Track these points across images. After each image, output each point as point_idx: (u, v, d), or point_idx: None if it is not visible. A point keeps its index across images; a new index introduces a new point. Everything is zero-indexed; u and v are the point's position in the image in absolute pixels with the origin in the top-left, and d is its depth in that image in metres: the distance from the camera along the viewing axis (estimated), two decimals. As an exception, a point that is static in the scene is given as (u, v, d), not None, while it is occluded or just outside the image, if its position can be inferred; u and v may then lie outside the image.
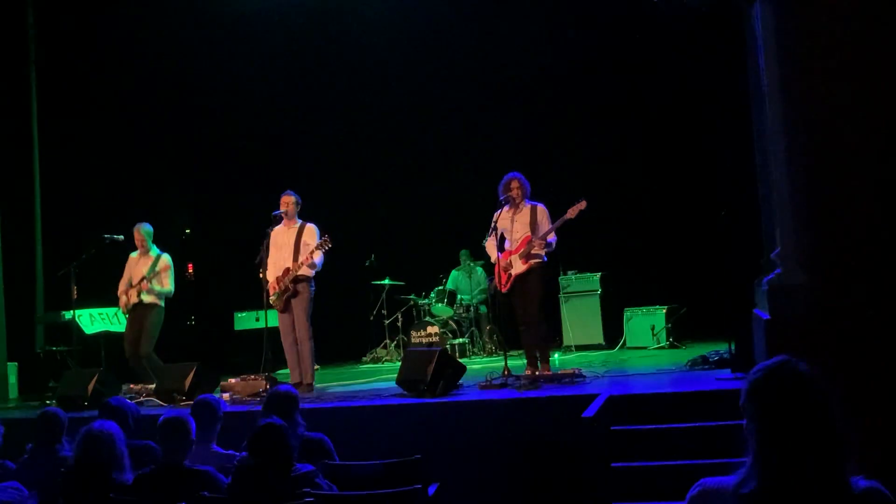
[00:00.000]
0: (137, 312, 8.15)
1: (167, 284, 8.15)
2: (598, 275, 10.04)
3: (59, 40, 10.14)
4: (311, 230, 7.56)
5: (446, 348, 9.06)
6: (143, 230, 8.23)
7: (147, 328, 8.07)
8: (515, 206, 7.20)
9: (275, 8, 10.81)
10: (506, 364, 7.04)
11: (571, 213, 6.96)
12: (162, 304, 8.19)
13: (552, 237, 7.07)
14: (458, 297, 10.59)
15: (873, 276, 4.65)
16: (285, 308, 7.49)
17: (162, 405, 7.07)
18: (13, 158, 9.95)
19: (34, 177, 10.06)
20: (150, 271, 8.06)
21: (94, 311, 9.71)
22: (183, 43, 10.69)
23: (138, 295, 8.08)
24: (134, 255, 8.31)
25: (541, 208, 7.18)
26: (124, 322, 9.10)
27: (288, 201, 7.57)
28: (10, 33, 9.68)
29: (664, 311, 9.49)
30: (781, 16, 4.97)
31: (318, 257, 7.36)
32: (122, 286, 8.28)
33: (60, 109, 10.48)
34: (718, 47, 8.42)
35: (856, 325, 4.57)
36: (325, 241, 7.26)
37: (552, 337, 9.12)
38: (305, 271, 7.39)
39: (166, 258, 8.21)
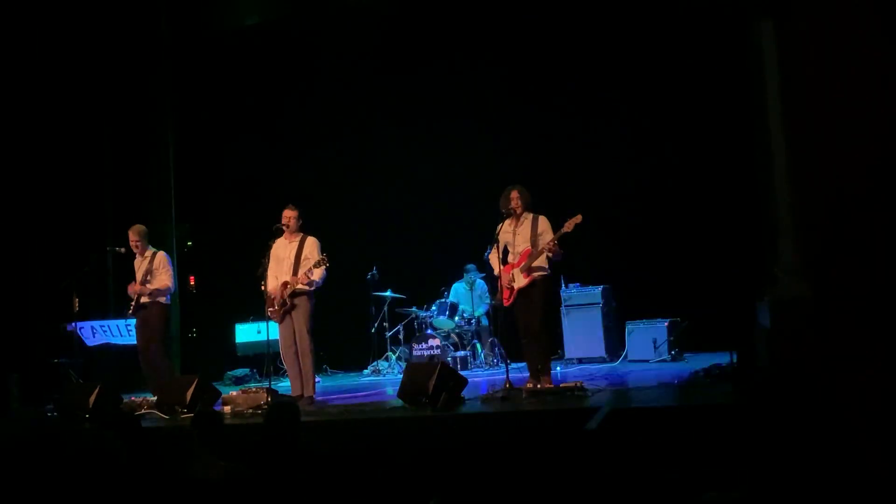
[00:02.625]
0: (142, 315, 8.17)
1: (166, 281, 8.14)
2: (600, 288, 10.03)
3: (63, 46, 10.16)
4: (313, 244, 7.56)
5: (447, 361, 9.06)
6: (136, 230, 8.28)
7: (154, 329, 8.09)
8: (517, 219, 7.22)
9: (273, 23, 10.86)
10: (507, 377, 7.04)
11: (568, 226, 6.98)
12: (165, 300, 8.19)
13: (555, 246, 7.04)
14: (460, 309, 10.58)
15: (876, 288, 4.65)
16: (284, 320, 7.50)
17: (163, 418, 7.05)
18: (15, 169, 9.96)
19: (37, 188, 10.08)
20: (147, 272, 8.10)
21: (96, 324, 9.71)
22: (182, 55, 10.73)
23: (138, 298, 8.10)
24: (136, 259, 8.36)
25: (542, 218, 7.20)
26: (126, 334, 9.12)
27: (289, 215, 7.58)
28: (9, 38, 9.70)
29: (666, 324, 9.46)
30: (784, 30, 5.00)
31: (317, 276, 7.37)
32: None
33: (62, 119, 10.50)
34: (720, 61, 8.45)
35: (858, 337, 4.56)
36: (323, 259, 7.28)
37: (554, 350, 9.11)
38: (305, 286, 7.40)
39: (162, 255, 8.24)
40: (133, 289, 8.18)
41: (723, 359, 7.06)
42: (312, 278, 7.35)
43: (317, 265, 7.29)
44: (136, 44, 10.52)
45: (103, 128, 10.91)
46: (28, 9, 9.76)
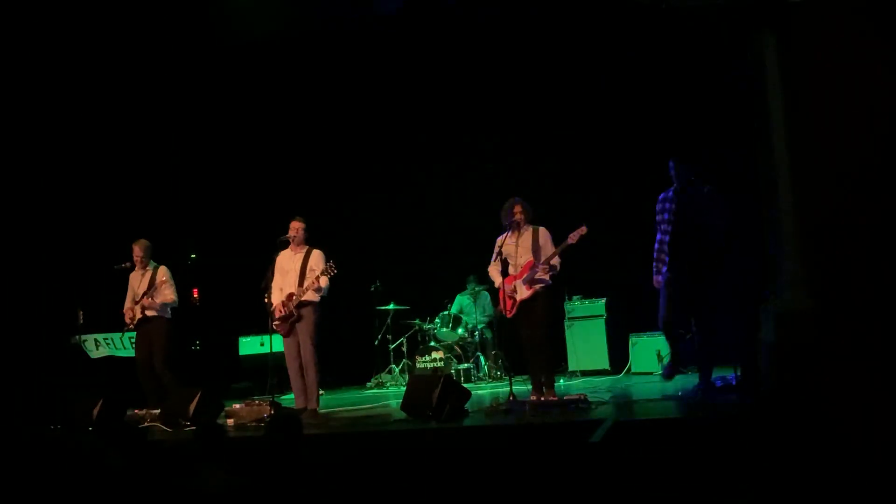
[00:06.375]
0: (144, 328, 8.23)
1: (170, 295, 8.23)
2: (604, 300, 10.03)
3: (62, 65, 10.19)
4: (318, 256, 7.57)
5: (451, 373, 9.05)
6: (141, 245, 8.36)
7: (157, 342, 8.14)
8: (518, 231, 7.23)
9: (276, 35, 10.88)
10: (511, 389, 7.04)
11: (572, 238, 6.99)
12: (168, 315, 8.27)
13: (556, 261, 7.10)
14: (464, 321, 10.58)
15: (880, 300, 4.64)
16: (289, 333, 7.50)
17: (166, 431, 7.05)
18: (18, 182, 10.00)
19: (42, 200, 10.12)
20: (149, 286, 8.16)
21: (100, 336, 9.72)
22: (186, 65, 10.76)
23: (142, 311, 8.16)
24: (134, 271, 8.43)
25: (543, 231, 7.21)
26: (129, 347, 9.13)
27: (297, 227, 7.58)
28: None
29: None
30: (786, 43, 5.01)
31: (324, 283, 7.38)
32: (127, 303, 8.42)
33: (64, 130, 10.53)
34: (721, 73, 8.47)
35: (863, 350, 4.55)
36: (331, 266, 7.27)
37: (557, 362, 9.09)
38: (311, 296, 7.39)
39: (164, 270, 8.31)
40: (132, 308, 8.23)
41: (727, 372, 7.05)
42: (320, 285, 7.36)
43: (324, 273, 7.29)
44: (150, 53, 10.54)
45: (106, 140, 10.93)
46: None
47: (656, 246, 7.03)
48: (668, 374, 7.45)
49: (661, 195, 7.06)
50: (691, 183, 6.72)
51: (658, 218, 7.04)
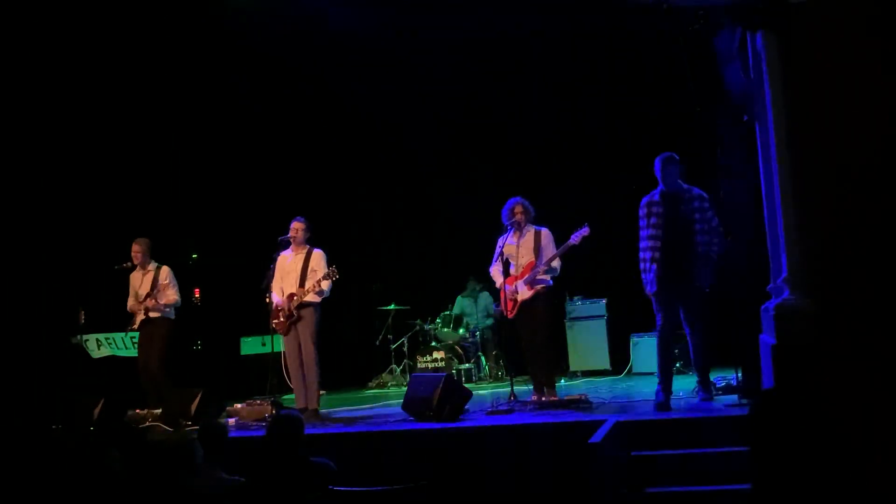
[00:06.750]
0: (147, 329, 8.24)
1: (173, 296, 8.26)
2: (604, 300, 10.03)
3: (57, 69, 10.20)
4: (319, 256, 7.57)
5: (452, 374, 9.05)
6: (140, 243, 8.37)
7: (157, 343, 8.16)
8: (520, 231, 7.24)
9: (277, 34, 10.90)
10: (512, 390, 7.04)
11: (575, 239, 7.00)
12: (171, 316, 8.30)
13: (556, 263, 7.11)
14: (464, 321, 10.58)
15: (880, 300, 4.64)
16: (290, 333, 7.50)
17: (167, 430, 7.06)
18: (19, 182, 10.01)
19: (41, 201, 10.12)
20: (152, 286, 8.16)
21: (101, 336, 9.73)
22: (186, 62, 10.77)
23: (145, 312, 8.17)
24: (135, 270, 8.43)
25: (545, 232, 7.21)
26: (131, 346, 9.13)
27: (298, 227, 7.59)
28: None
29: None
30: (786, 43, 5.01)
31: (325, 286, 7.39)
32: (130, 302, 8.41)
33: (65, 130, 10.54)
34: (721, 73, 8.47)
35: (862, 349, 4.55)
36: (333, 271, 7.28)
37: (558, 362, 9.09)
38: (312, 297, 7.40)
39: (166, 270, 8.32)
40: (137, 305, 8.24)
41: (728, 372, 7.06)
42: (321, 288, 7.37)
43: (326, 277, 7.29)
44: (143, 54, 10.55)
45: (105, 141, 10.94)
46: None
47: (647, 255, 6.52)
48: (662, 402, 6.33)
49: (645, 199, 6.62)
50: (679, 186, 6.68)
51: (642, 223, 6.55)
